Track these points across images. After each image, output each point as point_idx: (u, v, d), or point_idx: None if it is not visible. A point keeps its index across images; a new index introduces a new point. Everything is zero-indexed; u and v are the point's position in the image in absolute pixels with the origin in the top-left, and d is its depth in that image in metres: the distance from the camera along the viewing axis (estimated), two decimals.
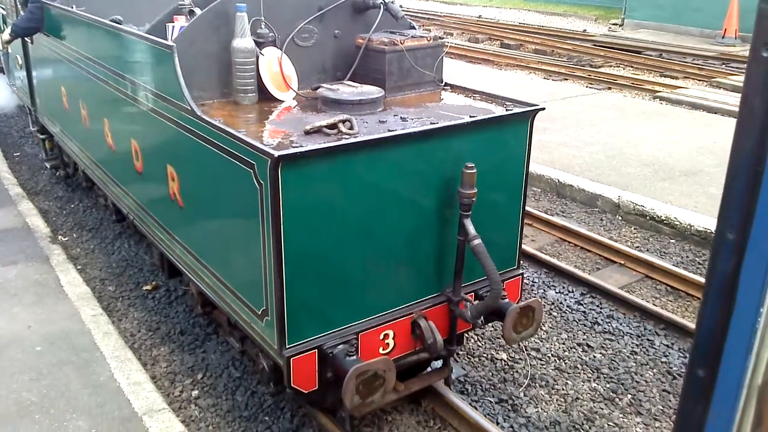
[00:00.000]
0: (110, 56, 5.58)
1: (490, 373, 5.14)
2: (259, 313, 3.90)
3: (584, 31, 22.29)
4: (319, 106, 4.37)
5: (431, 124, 4.00)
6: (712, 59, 17.57)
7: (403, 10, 4.96)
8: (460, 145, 4.04)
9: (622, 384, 5.02)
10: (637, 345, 5.49)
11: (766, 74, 1.38)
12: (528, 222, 7.74)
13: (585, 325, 5.77)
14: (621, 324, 5.79)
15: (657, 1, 21.56)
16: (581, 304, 6.09)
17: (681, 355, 5.36)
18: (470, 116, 4.14)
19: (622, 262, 6.88)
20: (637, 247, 7.29)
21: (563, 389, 4.97)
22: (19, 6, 7.88)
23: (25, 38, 7.91)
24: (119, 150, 5.92)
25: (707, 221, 7.28)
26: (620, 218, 8.03)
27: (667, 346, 5.48)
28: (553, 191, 8.86)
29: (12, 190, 8.39)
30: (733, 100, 12.65)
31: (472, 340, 5.52)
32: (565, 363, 5.27)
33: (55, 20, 6.92)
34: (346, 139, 3.68)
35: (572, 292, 6.32)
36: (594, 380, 5.08)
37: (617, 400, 4.87)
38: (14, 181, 8.86)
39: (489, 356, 5.34)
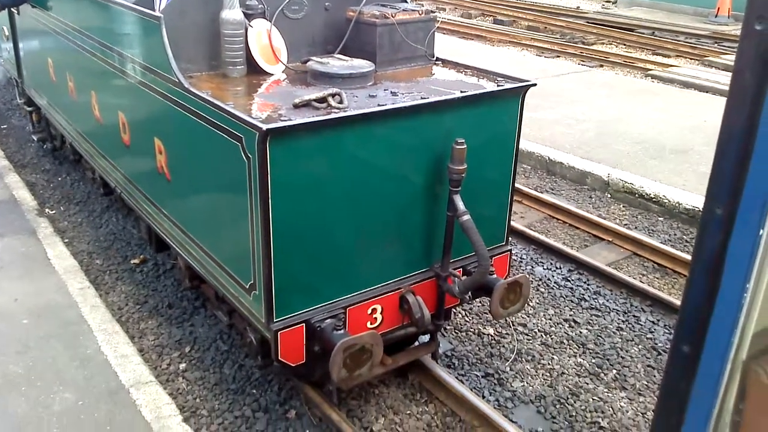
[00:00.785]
0: (97, 27, 5.49)
1: (477, 348, 5.18)
2: (247, 287, 3.90)
3: (577, 8, 22.14)
4: (308, 80, 4.33)
5: (422, 99, 3.97)
6: (704, 38, 17.54)
7: None
8: (451, 120, 4.02)
9: (608, 359, 5.07)
10: (623, 321, 5.54)
11: (758, 48, 1.36)
12: (517, 199, 7.75)
13: (572, 301, 5.81)
14: (608, 300, 5.83)
15: None
16: (569, 281, 6.13)
17: (666, 331, 5.41)
18: (461, 91, 4.11)
19: (610, 240, 6.91)
20: (626, 224, 7.32)
21: (549, 364, 5.01)
22: None
23: (12, 9, 7.76)
24: (106, 123, 5.85)
25: (696, 199, 7.31)
26: (609, 196, 8.05)
27: (653, 322, 5.53)
28: (543, 168, 8.86)
29: None
30: (725, 79, 12.65)
31: (460, 315, 5.55)
32: (552, 338, 5.31)
33: None
34: (335, 113, 3.66)
35: (560, 268, 6.35)
36: (580, 355, 5.13)
37: (602, 375, 4.92)
38: (1, 153, 8.77)
39: (476, 331, 5.37)
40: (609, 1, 23.11)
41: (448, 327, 5.34)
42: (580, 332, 5.39)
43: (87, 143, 6.61)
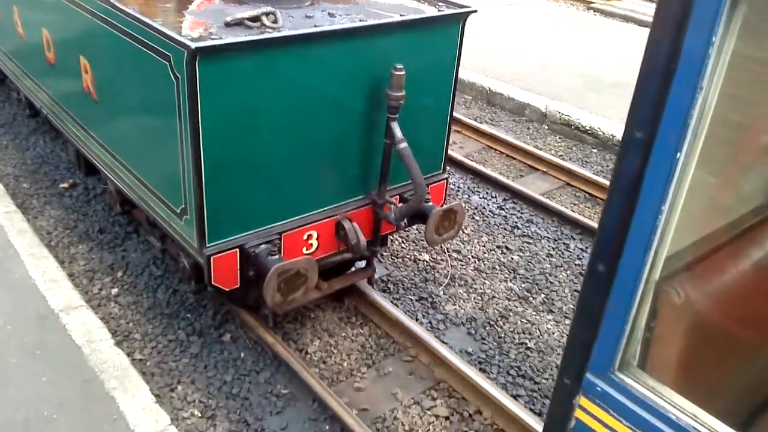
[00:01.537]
0: None
1: (413, 273, 5.28)
2: (178, 211, 3.83)
3: None
4: None
5: (360, 21, 3.87)
6: None
7: None
8: (389, 45, 3.94)
9: (537, 284, 5.26)
10: (553, 248, 5.72)
11: None
12: (457, 129, 7.79)
13: (505, 229, 5.95)
14: (539, 228, 5.99)
15: None
16: (503, 209, 6.25)
17: None
18: (400, 15, 4.03)
19: (545, 170, 7.05)
20: (561, 155, 7.46)
21: (481, 288, 5.16)
22: None
23: None
24: (30, 40, 5.53)
25: None
26: (547, 127, 8.16)
27: (582, 249, 5.73)
28: (483, 99, 8.88)
29: None
30: None
31: (397, 242, 5.62)
32: (484, 264, 5.45)
33: None
34: (269, 33, 3.53)
35: (495, 197, 6.46)
36: (510, 280, 5.29)
37: (531, 299, 5.10)
38: None
39: (412, 257, 5.46)
40: None
41: (384, 253, 5.41)
42: (512, 258, 5.55)
43: (10, 62, 6.26)
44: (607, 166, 7.27)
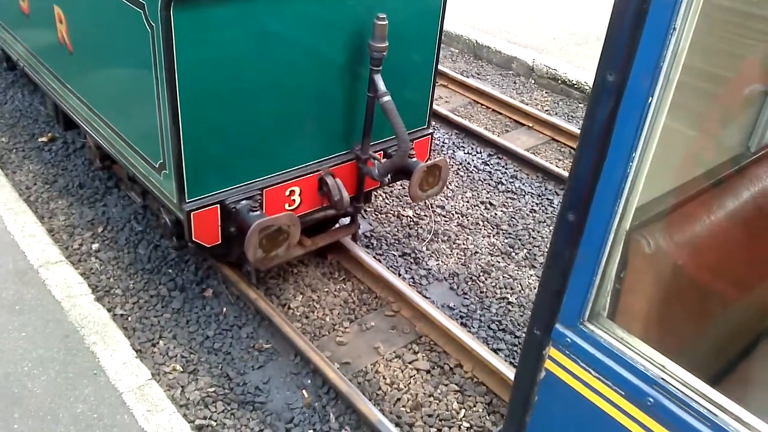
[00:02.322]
0: None
1: (396, 229, 5.26)
2: (157, 166, 3.77)
3: None
4: None
5: None
6: None
7: None
8: None
9: (520, 239, 5.25)
10: (537, 204, 5.71)
11: None
12: (443, 83, 7.69)
13: (489, 185, 5.92)
14: (524, 184, 5.97)
15: None
16: (488, 165, 6.21)
17: None
18: None
19: (531, 125, 6.99)
20: (547, 110, 7.40)
21: (464, 244, 5.15)
22: None
23: None
24: None
25: None
26: (533, 81, 8.07)
27: None
28: (470, 52, 8.75)
29: None
30: None
31: (380, 198, 5.58)
32: (468, 220, 5.43)
33: None
34: None
35: (480, 153, 6.41)
36: (493, 236, 5.29)
37: (513, 254, 5.11)
38: None
39: (395, 213, 5.44)
40: None
41: (368, 209, 5.38)
42: (495, 214, 5.53)
43: None
44: None
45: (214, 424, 3.65)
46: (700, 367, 1.72)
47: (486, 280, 4.82)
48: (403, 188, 5.63)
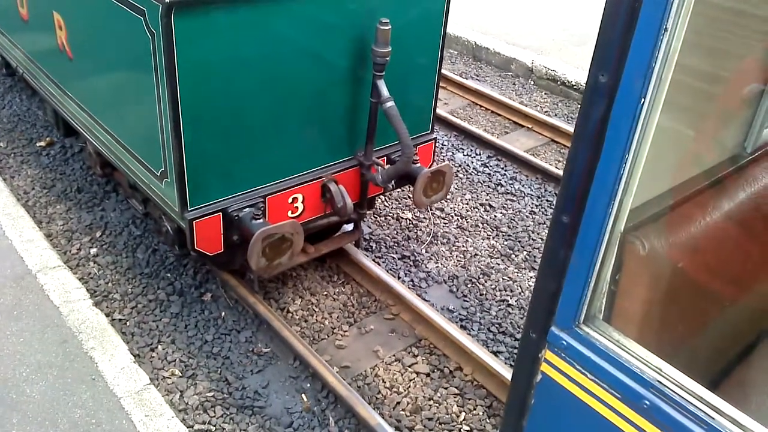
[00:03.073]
0: None
1: (395, 232, 5.25)
2: (158, 174, 3.73)
3: None
4: None
5: None
6: None
7: None
8: None
9: (519, 241, 5.24)
10: (536, 205, 5.69)
11: None
12: (442, 85, 7.67)
13: (489, 186, 5.91)
14: (523, 186, 5.96)
15: None
16: (487, 167, 6.20)
17: None
18: None
19: (530, 126, 6.98)
20: (546, 111, 7.39)
21: (463, 246, 5.14)
22: None
23: None
24: None
25: None
26: (533, 83, 8.06)
27: None
28: (469, 54, 8.75)
29: None
30: None
31: (379, 201, 5.57)
32: (467, 222, 5.42)
33: None
34: None
35: (479, 154, 6.40)
36: (493, 238, 5.27)
37: (513, 256, 5.09)
38: None
39: (395, 215, 5.42)
40: None
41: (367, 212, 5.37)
42: (495, 216, 5.52)
43: None
44: None
45: (213, 428, 3.64)
46: (697, 370, 1.70)
47: (486, 282, 4.80)
48: (402, 191, 5.62)
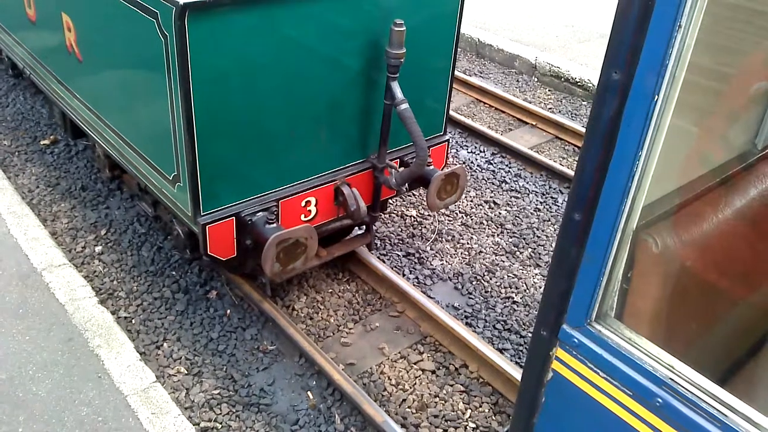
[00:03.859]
0: None
1: (400, 229, 5.24)
2: (171, 178, 3.69)
3: None
4: None
5: None
6: None
7: None
8: None
9: (524, 239, 5.23)
10: (541, 202, 5.69)
11: None
12: None
13: (493, 184, 5.90)
14: (527, 183, 5.95)
15: None
16: (491, 164, 6.20)
17: None
18: None
19: (534, 123, 6.97)
20: (550, 108, 7.38)
21: (468, 243, 5.13)
22: None
23: None
24: None
25: None
26: (536, 79, 8.05)
27: None
28: (472, 50, 8.73)
29: None
30: None
31: None
32: (472, 219, 5.41)
33: None
34: None
35: (483, 152, 6.39)
36: (498, 235, 5.27)
37: (518, 253, 5.09)
38: None
39: (399, 213, 5.42)
40: None
41: None
42: (500, 213, 5.52)
43: None
44: None
45: (219, 426, 3.65)
46: (709, 367, 1.70)
47: (491, 279, 4.80)
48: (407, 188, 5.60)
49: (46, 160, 5.81)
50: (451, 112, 6.89)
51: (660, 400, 1.61)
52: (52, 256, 4.41)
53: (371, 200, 4.29)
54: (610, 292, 1.71)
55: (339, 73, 3.77)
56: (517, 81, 8.04)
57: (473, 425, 3.75)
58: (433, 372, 4.05)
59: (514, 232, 5.30)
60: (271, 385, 3.92)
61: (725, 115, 2.05)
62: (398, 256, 4.96)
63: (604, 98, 1.48)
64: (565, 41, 8.60)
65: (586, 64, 7.93)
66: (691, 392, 1.57)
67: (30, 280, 4.19)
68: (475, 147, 6.46)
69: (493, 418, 3.81)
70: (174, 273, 4.63)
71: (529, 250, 5.13)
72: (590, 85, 7.55)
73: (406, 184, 4.17)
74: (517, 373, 3.82)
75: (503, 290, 4.71)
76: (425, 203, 5.47)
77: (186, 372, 3.94)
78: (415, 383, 3.98)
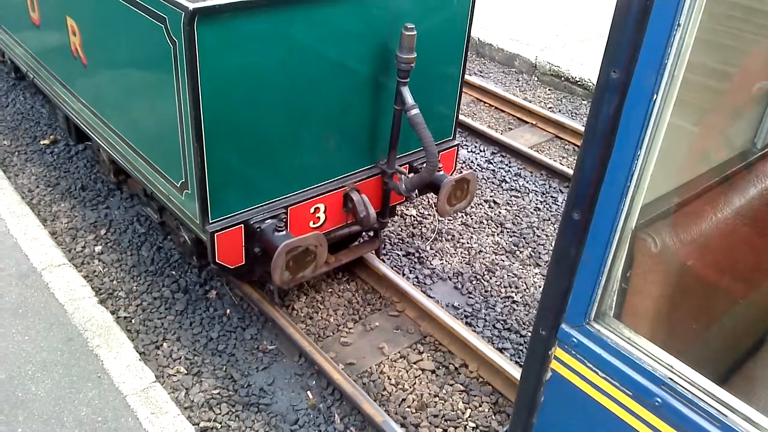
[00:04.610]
0: None
1: (399, 228, 5.24)
2: (178, 185, 3.64)
3: None
4: None
5: None
6: None
7: None
8: (399, 2, 3.66)
9: (524, 238, 5.23)
10: (541, 202, 5.68)
11: None
12: None
13: (493, 183, 5.90)
14: (527, 182, 5.95)
15: None
16: (491, 163, 6.19)
17: None
18: None
19: (534, 123, 6.97)
20: (550, 107, 7.37)
21: (468, 243, 5.13)
22: None
23: None
24: None
25: None
26: (536, 79, 8.04)
27: None
28: (472, 50, 8.72)
29: None
30: None
31: None
32: (472, 218, 5.41)
33: None
34: None
35: (483, 151, 6.39)
36: (498, 234, 5.26)
37: (518, 252, 5.08)
38: None
39: (399, 212, 5.41)
40: None
41: None
42: (500, 212, 5.51)
43: None
44: None
45: (219, 426, 3.64)
46: (708, 367, 1.69)
47: (490, 279, 4.79)
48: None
49: (45, 159, 5.80)
50: None
51: (659, 399, 1.60)
52: (52, 256, 4.41)
53: (380, 206, 4.23)
54: (609, 292, 1.71)
55: (348, 78, 3.71)
56: (517, 80, 8.04)
57: (473, 425, 3.75)
58: (433, 371, 4.05)
59: (514, 232, 5.30)
60: (271, 384, 3.92)
61: (725, 114, 2.04)
62: (398, 255, 4.96)
63: (603, 97, 1.47)
64: (566, 40, 8.60)
65: (586, 63, 7.93)
66: (690, 392, 1.57)
67: (30, 280, 4.19)
68: (475, 146, 6.46)
69: (493, 417, 3.80)
70: (174, 273, 4.63)
71: (529, 249, 5.12)
72: (590, 84, 7.55)
73: (416, 190, 4.11)
74: (516, 373, 3.81)
75: (503, 290, 4.71)
76: (425, 203, 5.48)
77: (185, 372, 3.94)
78: (415, 383, 3.97)
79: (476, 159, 6.23)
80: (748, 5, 1.84)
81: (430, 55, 3.91)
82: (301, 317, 4.37)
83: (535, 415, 1.94)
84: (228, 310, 4.37)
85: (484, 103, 7.43)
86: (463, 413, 3.81)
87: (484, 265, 4.92)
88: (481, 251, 5.06)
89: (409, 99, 3.70)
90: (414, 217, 5.38)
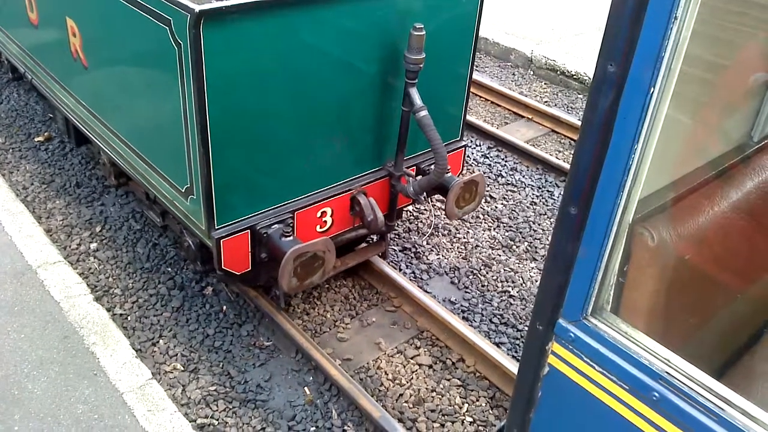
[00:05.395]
0: None
1: (396, 224, 5.22)
2: (183, 190, 3.58)
3: None
4: None
5: None
6: None
7: None
8: (407, 2, 3.61)
9: (520, 232, 5.23)
10: (537, 196, 5.68)
11: None
12: None
13: (489, 177, 5.89)
14: (524, 176, 5.94)
15: None
16: (487, 158, 6.18)
17: None
18: None
19: (530, 117, 6.96)
20: (546, 101, 7.37)
21: (464, 238, 5.13)
22: None
23: None
24: None
25: None
26: (532, 73, 8.03)
27: None
28: None
29: None
30: None
31: None
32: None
33: None
34: None
35: (479, 145, 6.38)
36: (494, 229, 5.26)
37: (514, 247, 5.08)
38: None
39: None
40: None
41: None
42: (496, 207, 5.51)
43: None
44: None
45: (216, 422, 3.64)
46: (705, 361, 1.69)
47: (487, 273, 4.79)
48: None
49: (40, 157, 5.78)
50: None
51: (656, 394, 1.60)
52: (47, 254, 4.39)
53: (387, 209, 4.17)
54: (606, 286, 1.71)
55: (355, 80, 3.65)
56: (513, 74, 8.03)
57: (470, 419, 3.75)
58: (430, 366, 4.05)
59: (510, 226, 5.30)
60: (268, 381, 3.91)
61: (721, 107, 2.04)
62: (394, 250, 4.95)
63: (599, 91, 1.47)
64: (561, 34, 8.59)
65: (582, 57, 7.92)
66: (687, 386, 1.56)
67: (25, 278, 4.17)
68: (471, 141, 6.45)
69: (490, 412, 3.81)
70: (169, 269, 4.62)
71: (526, 243, 5.12)
72: (586, 78, 7.54)
73: (425, 193, 4.05)
74: (513, 367, 3.82)
75: (500, 284, 4.71)
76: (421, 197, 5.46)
77: (182, 369, 3.93)
78: (412, 378, 3.97)
79: (472, 154, 6.22)
80: None
81: (438, 55, 3.84)
82: (297, 313, 4.36)
83: (533, 409, 1.94)
84: (224, 307, 4.36)
85: (480, 97, 7.41)
86: (461, 408, 3.81)
87: (481, 259, 4.92)
88: (477, 246, 5.05)
89: (418, 100, 3.64)
90: (410, 212, 5.37)
